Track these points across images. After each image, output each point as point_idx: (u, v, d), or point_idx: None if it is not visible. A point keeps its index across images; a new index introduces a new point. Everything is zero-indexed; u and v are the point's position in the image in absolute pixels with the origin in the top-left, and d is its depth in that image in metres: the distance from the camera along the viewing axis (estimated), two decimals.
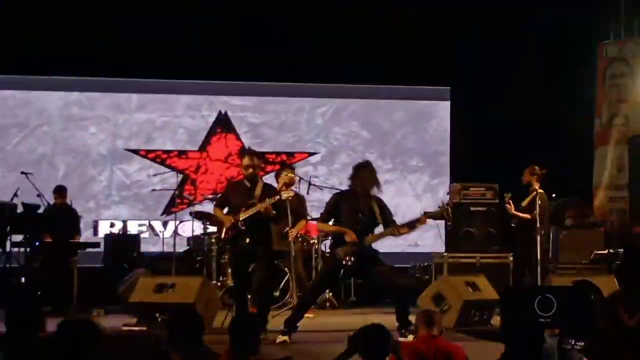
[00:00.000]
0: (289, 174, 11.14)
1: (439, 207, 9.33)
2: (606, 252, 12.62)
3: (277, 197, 8.81)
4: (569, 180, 14.07)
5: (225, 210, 9.17)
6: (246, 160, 9.02)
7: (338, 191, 9.68)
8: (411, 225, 8.79)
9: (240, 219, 8.81)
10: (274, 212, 8.83)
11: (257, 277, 8.88)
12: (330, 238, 9.36)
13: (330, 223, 8.95)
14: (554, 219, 13.46)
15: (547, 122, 14.82)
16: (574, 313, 2.72)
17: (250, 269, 8.94)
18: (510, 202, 11.64)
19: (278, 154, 15.49)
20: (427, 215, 8.97)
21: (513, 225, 11.88)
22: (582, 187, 14.42)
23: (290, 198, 8.93)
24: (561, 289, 2.83)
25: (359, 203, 8.72)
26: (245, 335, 5.42)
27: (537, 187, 11.70)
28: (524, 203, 11.69)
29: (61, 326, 4.65)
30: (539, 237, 11.45)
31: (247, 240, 8.83)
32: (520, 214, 11.60)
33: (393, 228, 8.78)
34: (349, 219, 8.70)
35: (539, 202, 11.48)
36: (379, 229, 8.88)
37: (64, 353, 4.50)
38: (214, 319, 10.19)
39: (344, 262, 8.63)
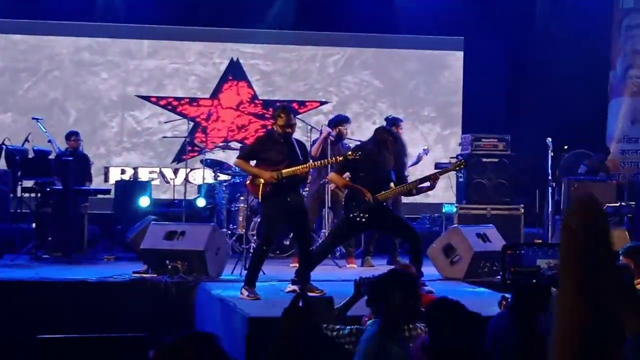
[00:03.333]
0: (347, 127, 11.14)
1: (451, 158, 9.40)
2: (618, 204, 12.59)
3: (342, 157, 8.67)
4: (582, 133, 14.01)
5: (253, 163, 8.80)
6: (285, 120, 8.58)
7: (357, 146, 9.61)
8: (423, 182, 8.90)
9: (284, 175, 8.49)
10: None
11: (307, 232, 8.86)
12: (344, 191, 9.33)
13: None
14: (566, 170, 13.43)
15: (560, 74, 14.72)
16: None
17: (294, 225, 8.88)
18: None
19: (289, 102, 15.41)
20: (440, 173, 9.08)
21: None
22: (595, 140, 14.35)
23: (357, 158, 8.68)
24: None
25: (376, 159, 8.69)
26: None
27: None
28: None
29: None
30: (550, 189, 11.42)
31: (288, 199, 8.59)
32: None
33: (405, 185, 8.83)
34: (366, 175, 8.67)
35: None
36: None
37: None
38: (224, 267, 10.24)
39: (357, 220, 8.62)
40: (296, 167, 8.49)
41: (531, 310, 4.95)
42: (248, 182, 8.84)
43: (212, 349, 3.36)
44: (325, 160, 9.04)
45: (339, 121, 11.35)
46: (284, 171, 8.46)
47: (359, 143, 10.11)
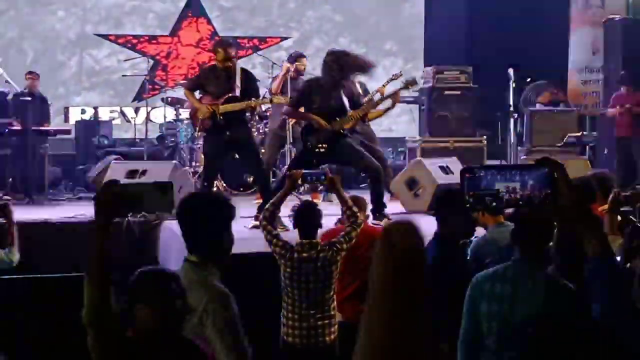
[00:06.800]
0: (304, 63, 11.04)
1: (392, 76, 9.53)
2: (579, 134, 12.65)
3: (267, 99, 8.71)
4: (544, 64, 14.00)
5: (197, 95, 8.90)
6: (221, 55, 8.59)
7: (310, 78, 9.54)
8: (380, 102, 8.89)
9: (221, 112, 8.53)
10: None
11: (256, 166, 8.91)
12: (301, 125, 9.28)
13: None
14: (527, 102, 13.46)
15: (521, 5, 14.66)
16: (537, 189, 2.72)
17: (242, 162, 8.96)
18: None
19: (250, 38, 15.29)
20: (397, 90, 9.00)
21: None
22: (557, 70, 14.34)
23: (284, 102, 8.72)
24: (524, 166, 2.83)
25: (329, 90, 8.60)
26: None
27: None
28: None
29: None
30: (512, 120, 11.44)
31: (227, 133, 8.61)
32: None
33: (359, 110, 8.70)
34: (320, 106, 8.60)
35: None
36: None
37: None
38: None
39: (316, 150, 8.58)
40: (236, 104, 8.52)
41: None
42: (193, 113, 8.98)
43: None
44: (265, 98, 9.13)
45: (294, 58, 11.26)
46: (221, 107, 8.48)
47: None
